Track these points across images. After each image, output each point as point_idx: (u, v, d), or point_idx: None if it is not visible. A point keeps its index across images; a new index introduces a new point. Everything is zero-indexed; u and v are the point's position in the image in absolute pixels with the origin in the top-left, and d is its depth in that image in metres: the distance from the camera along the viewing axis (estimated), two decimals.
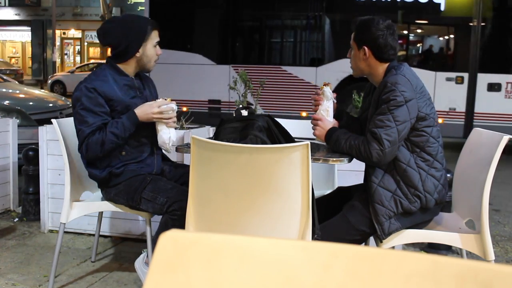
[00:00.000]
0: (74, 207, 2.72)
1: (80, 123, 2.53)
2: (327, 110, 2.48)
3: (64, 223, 2.72)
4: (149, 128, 2.63)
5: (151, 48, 2.63)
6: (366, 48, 2.34)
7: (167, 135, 2.59)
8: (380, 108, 2.24)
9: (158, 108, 2.54)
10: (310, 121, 2.55)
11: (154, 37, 2.64)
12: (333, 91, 2.53)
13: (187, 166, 2.80)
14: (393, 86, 2.21)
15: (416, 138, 2.29)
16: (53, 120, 2.75)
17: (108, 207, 2.74)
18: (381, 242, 2.32)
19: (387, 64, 2.38)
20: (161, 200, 2.52)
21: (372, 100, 2.34)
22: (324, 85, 2.52)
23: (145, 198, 2.57)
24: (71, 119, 2.67)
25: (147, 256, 2.74)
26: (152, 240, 2.68)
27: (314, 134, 2.47)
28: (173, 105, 2.58)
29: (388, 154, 2.23)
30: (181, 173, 2.78)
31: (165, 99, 2.60)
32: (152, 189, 2.57)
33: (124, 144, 2.58)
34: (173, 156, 3.15)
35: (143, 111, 2.55)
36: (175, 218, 2.46)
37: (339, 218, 2.38)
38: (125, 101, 2.59)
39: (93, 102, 2.51)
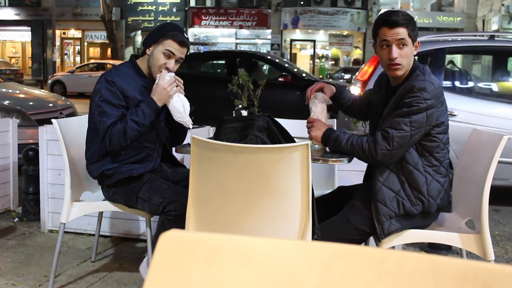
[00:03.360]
0: (74, 207, 2.72)
1: (100, 114, 2.53)
2: (320, 112, 2.50)
3: (64, 223, 2.72)
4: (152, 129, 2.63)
5: (158, 52, 2.61)
6: (417, 43, 2.32)
7: (180, 104, 2.56)
8: (400, 110, 2.21)
9: (165, 82, 2.54)
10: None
11: (166, 45, 2.60)
12: None
13: (187, 169, 2.79)
14: (419, 92, 2.17)
15: (428, 143, 2.28)
16: (53, 120, 2.75)
17: (108, 207, 2.74)
18: (380, 241, 2.32)
19: None
20: (157, 200, 2.52)
21: (392, 100, 2.30)
22: (316, 91, 2.59)
23: (141, 198, 2.58)
24: (71, 119, 2.67)
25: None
26: (152, 241, 2.68)
27: (310, 136, 2.45)
28: (171, 73, 2.58)
29: (393, 156, 2.22)
30: (181, 175, 2.77)
31: (161, 71, 2.58)
32: (148, 189, 2.57)
33: (147, 130, 2.57)
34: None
35: (158, 93, 2.54)
36: (171, 219, 2.46)
37: (339, 217, 2.37)
38: (139, 100, 2.59)
39: (112, 95, 2.54)
